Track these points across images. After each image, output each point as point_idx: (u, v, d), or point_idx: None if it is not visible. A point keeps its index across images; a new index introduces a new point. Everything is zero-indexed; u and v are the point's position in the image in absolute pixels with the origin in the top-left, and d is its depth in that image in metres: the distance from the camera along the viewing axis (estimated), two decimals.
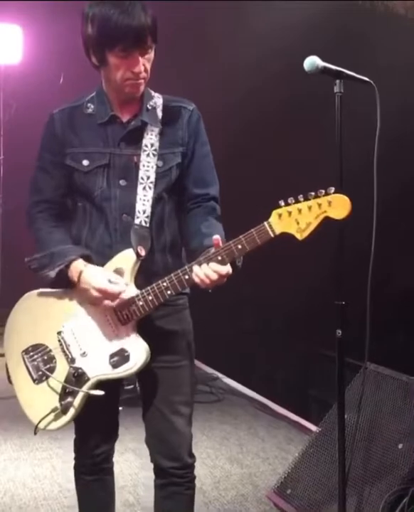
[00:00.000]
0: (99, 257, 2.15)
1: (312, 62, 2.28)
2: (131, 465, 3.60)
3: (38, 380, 2.20)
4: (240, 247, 1.94)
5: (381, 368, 3.01)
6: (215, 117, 5.25)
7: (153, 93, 2.21)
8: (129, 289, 2.08)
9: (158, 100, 2.20)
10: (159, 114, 2.18)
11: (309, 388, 4.95)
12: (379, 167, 2.39)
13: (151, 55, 2.09)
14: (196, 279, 1.98)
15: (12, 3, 6.54)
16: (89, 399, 2.12)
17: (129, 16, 1.98)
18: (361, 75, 2.35)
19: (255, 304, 5.09)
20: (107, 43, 2.02)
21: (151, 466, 2.31)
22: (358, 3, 4.09)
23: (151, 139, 2.15)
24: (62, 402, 2.14)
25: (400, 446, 2.75)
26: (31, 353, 2.22)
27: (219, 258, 1.97)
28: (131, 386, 3.92)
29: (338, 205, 1.88)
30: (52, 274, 2.12)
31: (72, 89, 6.67)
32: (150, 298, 2.06)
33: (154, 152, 2.15)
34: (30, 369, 2.22)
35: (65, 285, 2.16)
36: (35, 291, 2.26)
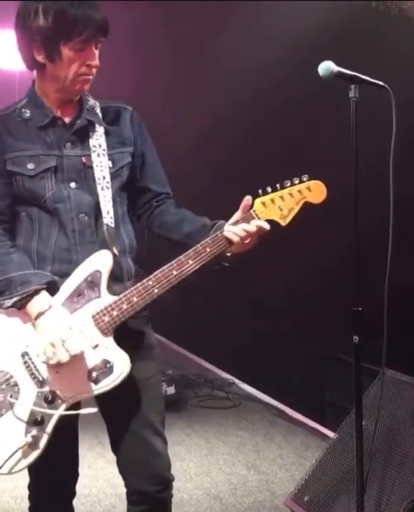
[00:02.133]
0: (58, 263, 2.02)
1: (327, 67, 2.27)
2: None
3: None
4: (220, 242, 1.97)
5: (399, 374, 2.97)
6: (225, 119, 5.27)
7: (88, 95, 2.11)
8: (104, 296, 1.96)
9: (94, 102, 2.11)
10: (99, 114, 2.09)
11: (325, 394, 4.92)
12: (395, 170, 2.37)
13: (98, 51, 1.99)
14: (235, 238, 1.94)
15: None
16: (59, 425, 1.92)
17: (89, 6, 1.91)
18: (374, 78, 2.33)
19: (270, 308, 5.07)
20: (64, 34, 1.90)
21: None
22: (371, 4, 4.06)
23: (97, 139, 2.05)
24: (30, 434, 1.90)
25: None
26: None
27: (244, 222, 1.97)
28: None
29: (316, 191, 2.02)
30: (8, 303, 1.94)
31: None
32: (135, 299, 1.94)
33: (103, 152, 2.05)
34: None
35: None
36: None
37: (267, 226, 1.97)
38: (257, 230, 1.97)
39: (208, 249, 1.97)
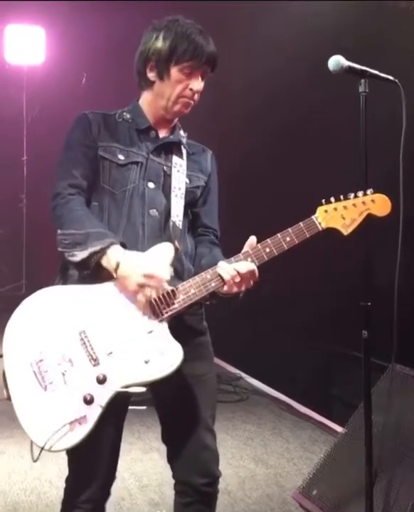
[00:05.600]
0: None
1: (337, 61, 2.27)
2: (156, 464, 3.60)
3: (48, 389, 1.96)
4: (288, 239, 2.02)
5: (407, 369, 2.98)
6: (242, 121, 5.27)
7: (181, 128, 2.30)
8: (165, 285, 2.01)
9: (185, 133, 2.30)
10: (185, 143, 2.28)
11: (333, 388, 4.92)
12: (405, 165, 2.36)
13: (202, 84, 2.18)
14: (226, 276, 1.99)
15: (34, 5, 6.59)
16: (111, 408, 1.94)
17: (205, 39, 2.14)
18: (385, 73, 2.33)
19: (278, 302, 5.07)
20: (177, 57, 2.11)
21: None
22: (382, 4, 4.04)
23: (180, 159, 2.22)
24: (80, 412, 1.92)
25: None
26: (41, 358, 1.98)
27: (249, 259, 2.02)
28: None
29: (380, 203, 2.06)
30: (83, 254, 1.98)
31: (94, 89, 6.73)
32: (192, 291, 2.00)
33: (183, 170, 2.21)
34: (39, 376, 1.97)
35: (84, 272, 2.03)
36: (45, 290, 2.05)
37: (253, 268, 2.00)
38: (247, 272, 1.99)
39: (212, 284, 2.01)
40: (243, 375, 5.27)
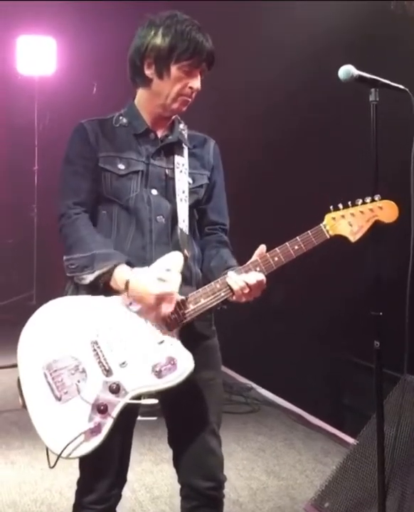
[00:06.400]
0: (133, 260, 2.09)
1: (347, 70, 2.27)
2: (167, 475, 3.57)
3: (62, 399, 1.99)
4: (296, 247, 2.02)
5: None
6: (249, 126, 5.27)
7: (180, 120, 2.27)
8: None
9: (184, 126, 2.27)
10: (186, 137, 2.25)
11: (344, 399, 4.89)
12: None
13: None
14: (234, 286, 2.00)
15: (45, 16, 6.63)
16: (122, 417, 1.98)
17: (204, 36, 2.11)
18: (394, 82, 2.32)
19: (289, 312, 5.05)
20: (177, 55, 2.08)
21: None
22: (389, 7, 4.03)
23: (182, 157, 2.20)
24: (94, 421, 1.95)
25: None
26: (55, 368, 2.01)
27: (258, 268, 2.02)
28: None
29: (388, 210, 2.05)
30: (91, 277, 2.02)
31: (104, 99, 6.75)
32: (202, 301, 2.02)
33: (185, 170, 2.19)
34: (54, 386, 2.00)
35: (97, 291, 2.06)
36: (57, 300, 2.09)
37: (262, 278, 2.01)
38: (256, 283, 2.00)
39: (221, 294, 2.02)
40: (254, 385, 5.24)
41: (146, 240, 2.12)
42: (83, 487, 2.18)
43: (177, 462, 2.22)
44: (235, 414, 4.62)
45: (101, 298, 2.06)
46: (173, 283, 1.99)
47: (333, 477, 3.07)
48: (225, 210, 2.32)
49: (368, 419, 2.95)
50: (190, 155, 2.23)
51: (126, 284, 1.99)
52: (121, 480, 2.20)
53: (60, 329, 2.04)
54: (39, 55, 6.97)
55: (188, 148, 2.23)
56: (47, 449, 1.99)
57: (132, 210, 2.14)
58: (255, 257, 2.05)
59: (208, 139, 2.31)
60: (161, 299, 1.97)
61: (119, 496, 2.21)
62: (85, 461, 2.12)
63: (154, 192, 2.15)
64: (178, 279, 2.01)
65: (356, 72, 2.26)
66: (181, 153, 2.20)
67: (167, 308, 1.99)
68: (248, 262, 2.05)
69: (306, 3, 4.67)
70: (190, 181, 2.19)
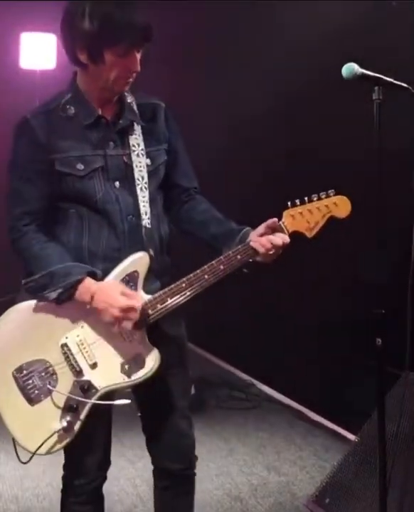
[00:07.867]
0: (108, 262, 2.07)
1: (350, 68, 2.26)
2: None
3: (34, 401, 2.05)
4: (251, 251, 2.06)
5: None
6: (256, 122, 5.26)
7: (126, 91, 2.14)
8: (142, 294, 2.06)
9: (132, 99, 2.14)
10: (137, 112, 2.14)
11: (345, 396, 4.89)
12: None
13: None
14: (261, 249, 2.03)
15: (46, 13, 6.65)
16: (92, 412, 2.05)
17: (133, 13, 1.94)
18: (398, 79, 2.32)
19: (290, 309, 5.05)
20: (108, 40, 1.93)
21: None
22: (391, 4, 4.02)
23: (136, 138, 2.10)
24: (65, 420, 2.02)
25: None
26: (25, 371, 2.05)
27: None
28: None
29: (342, 206, 2.11)
30: (53, 295, 1.99)
31: None
32: (168, 300, 2.03)
33: (142, 152, 2.10)
34: (25, 389, 2.05)
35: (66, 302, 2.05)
36: (24, 304, 2.09)
37: (288, 241, 2.07)
38: (282, 244, 2.05)
39: (238, 257, 2.05)
40: (255, 382, 5.24)
41: (121, 242, 2.09)
42: (69, 471, 2.26)
43: (150, 446, 2.31)
44: (235, 411, 4.64)
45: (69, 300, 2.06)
46: (136, 299, 2.00)
47: (334, 473, 3.08)
48: (192, 173, 2.28)
49: (369, 416, 2.96)
50: (144, 132, 2.12)
51: (92, 296, 2.00)
52: (105, 460, 2.27)
53: (29, 332, 2.08)
54: (41, 51, 7.02)
55: (141, 126, 2.13)
56: (14, 445, 2.09)
57: (102, 212, 2.07)
58: (261, 228, 2.08)
59: (157, 105, 2.18)
60: (126, 312, 1.98)
61: (104, 478, 2.28)
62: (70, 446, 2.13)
63: (117, 184, 2.08)
64: (140, 293, 2.04)
65: (359, 70, 2.25)
66: (134, 133, 2.10)
67: (128, 325, 2.00)
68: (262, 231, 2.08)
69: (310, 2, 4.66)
70: (149, 162, 2.11)
